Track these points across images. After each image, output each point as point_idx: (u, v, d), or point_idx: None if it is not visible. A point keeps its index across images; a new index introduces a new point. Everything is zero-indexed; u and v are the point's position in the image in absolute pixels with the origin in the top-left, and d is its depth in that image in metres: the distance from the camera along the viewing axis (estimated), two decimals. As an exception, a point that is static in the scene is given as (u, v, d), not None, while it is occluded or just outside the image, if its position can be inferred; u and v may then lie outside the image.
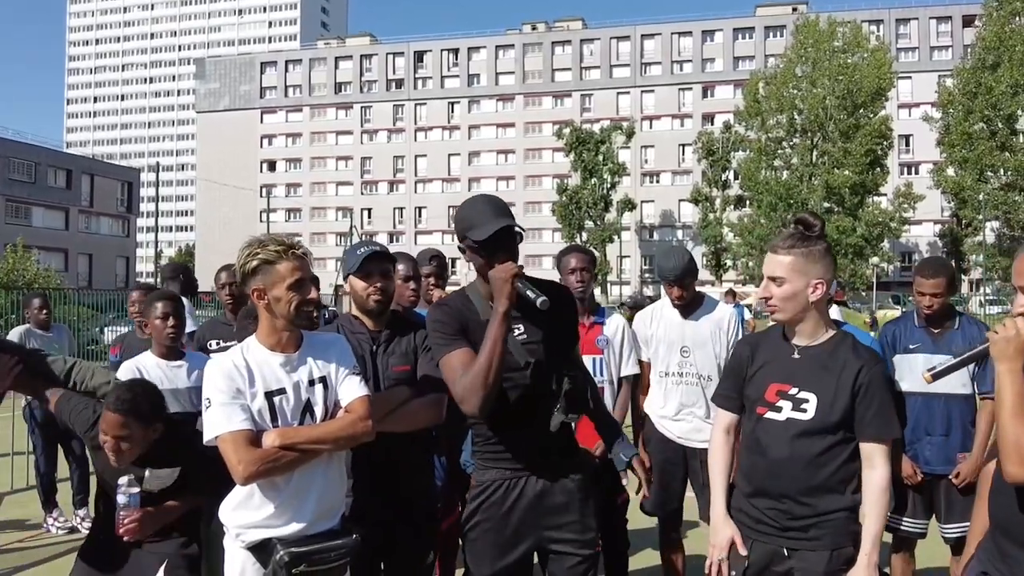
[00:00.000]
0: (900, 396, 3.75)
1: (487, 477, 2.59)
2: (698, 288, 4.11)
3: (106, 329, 22.56)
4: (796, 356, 2.53)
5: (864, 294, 51.11)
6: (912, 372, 3.82)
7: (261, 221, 77.62)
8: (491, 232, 2.42)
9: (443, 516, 3.75)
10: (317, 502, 2.42)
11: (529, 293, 2.38)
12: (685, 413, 3.99)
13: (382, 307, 2.96)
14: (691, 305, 4.00)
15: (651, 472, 4.03)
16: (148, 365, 3.67)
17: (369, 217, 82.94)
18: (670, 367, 4.01)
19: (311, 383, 2.46)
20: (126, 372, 3.60)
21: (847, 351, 2.49)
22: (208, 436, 2.33)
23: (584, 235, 62.39)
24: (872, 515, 2.40)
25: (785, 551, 2.47)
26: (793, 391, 2.48)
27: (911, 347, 3.85)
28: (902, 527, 3.91)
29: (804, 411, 2.46)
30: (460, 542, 4.21)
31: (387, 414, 2.77)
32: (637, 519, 4.57)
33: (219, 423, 2.30)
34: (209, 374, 2.39)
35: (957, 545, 3.75)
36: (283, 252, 2.39)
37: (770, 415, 2.51)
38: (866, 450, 2.43)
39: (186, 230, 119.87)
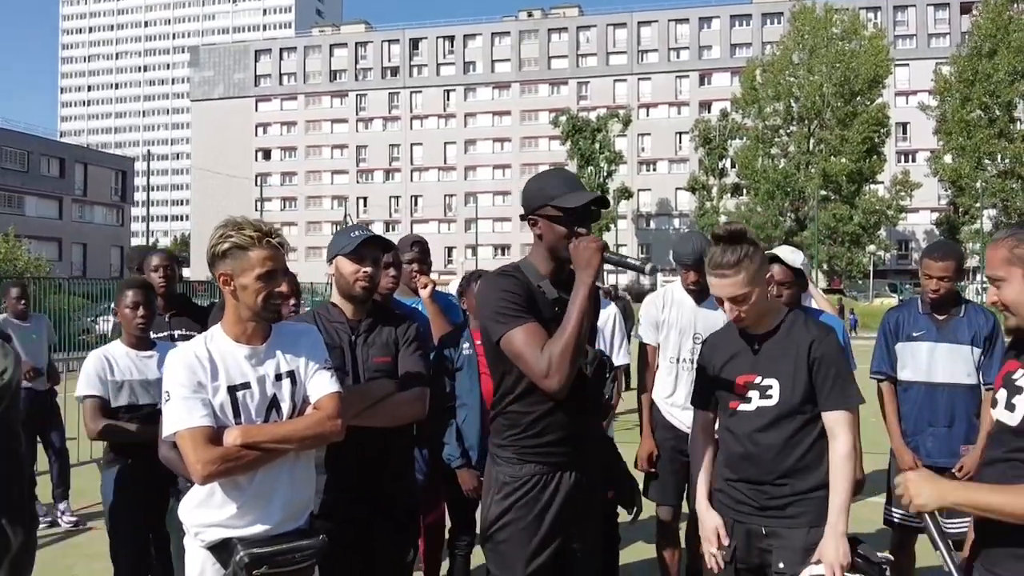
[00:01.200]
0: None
1: (524, 472, 2.42)
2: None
3: (100, 318, 22.44)
4: (756, 346, 2.62)
5: (861, 282, 51.12)
6: (915, 360, 3.69)
7: (256, 210, 77.36)
8: (586, 200, 2.34)
9: (425, 511, 3.62)
10: (282, 502, 2.28)
11: (630, 260, 2.33)
12: None
13: (367, 294, 2.83)
14: (704, 292, 3.88)
15: (658, 460, 3.93)
16: (117, 355, 3.51)
17: (365, 206, 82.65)
18: (682, 353, 3.92)
19: (278, 377, 2.32)
20: (94, 361, 3.45)
21: (799, 329, 2.58)
22: (167, 432, 2.20)
23: (580, 223, 62.28)
24: (837, 485, 2.45)
25: (763, 530, 2.55)
26: (758, 380, 2.57)
27: (915, 335, 3.72)
28: (903, 521, 3.77)
29: (770, 397, 2.54)
30: (446, 537, 4.14)
31: (367, 408, 2.64)
32: (625, 513, 4.44)
33: (178, 418, 2.16)
34: (169, 366, 2.24)
35: (959, 541, 3.61)
36: (258, 239, 2.23)
37: (742, 407, 2.60)
38: (828, 421, 2.51)
39: (181, 219, 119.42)
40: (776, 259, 3.47)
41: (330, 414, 2.32)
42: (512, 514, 2.42)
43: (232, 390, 2.24)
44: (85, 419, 3.41)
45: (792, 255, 3.55)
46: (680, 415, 3.90)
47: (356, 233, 2.82)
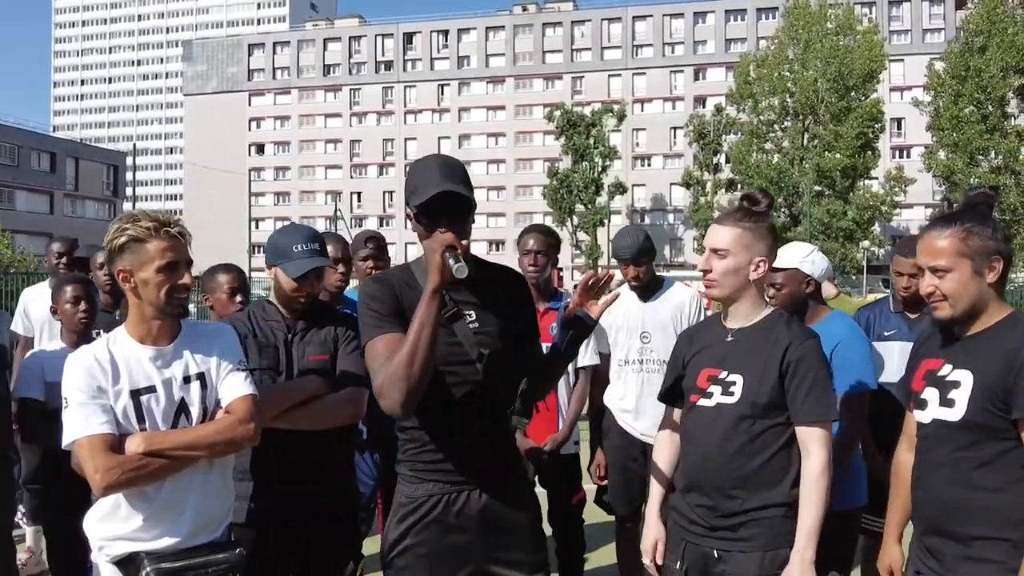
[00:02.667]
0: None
1: (421, 492, 2.18)
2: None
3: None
4: (730, 339, 2.38)
5: (855, 278, 51.10)
6: (887, 360, 3.56)
7: (249, 205, 77.08)
8: (429, 195, 2.07)
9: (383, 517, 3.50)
10: (193, 513, 2.15)
11: (451, 261, 2.00)
12: (647, 404, 3.70)
13: (305, 307, 2.71)
14: (649, 288, 3.78)
15: (609, 467, 3.83)
16: (55, 355, 3.37)
17: (359, 201, 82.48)
18: (630, 354, 3.78)
19: (186, 380, 2.18)
20: (30, 365, 3.31)
21: (780, 329, 2.33)
22: (66, 440, 2.06)
23: (575, 219, 62.13)
24: (805, 507, 2.20)
25: (716, 553, 2.29)
26: (723, 374, 2.34)
27: (886, 334, 3.59)
28: (872, 527, 3.65)
29: (732, 394, 2.30)
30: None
31: (292, 408, 2.50)
32: (598, 514, 4.34)
33: (76, 426, 2.03)
34: (67, 370, 2.11)
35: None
36: (154, 229, 2.10)
37: (702, 402, 2.37)
38: (801, 436, 2.26)
39: (175, 214, 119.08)
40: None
41: (242, 418, 2.18)
42: (412, 538, 2.17)
43: (135, 394, 2.11)
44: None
45: (792, 251, 3.19)
46: (632, 421, 3.77)
47: (299, 248, 2.64)
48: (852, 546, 3.38)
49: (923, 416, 2.04)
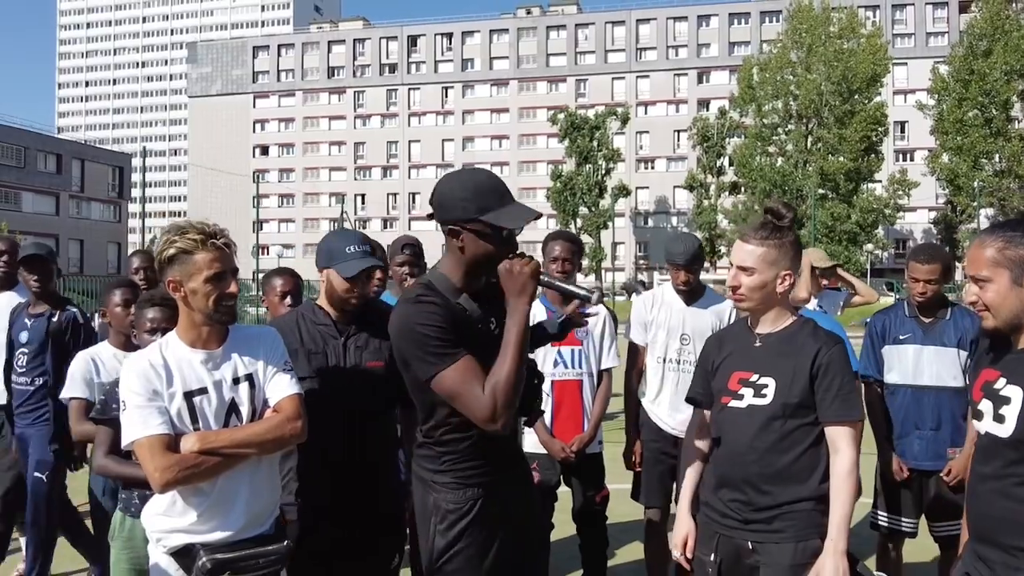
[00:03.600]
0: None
1: (467, 497, 2.27)
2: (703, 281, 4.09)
3: (96, 315, 22.47)
4: (758, 344, 2.51)
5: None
6: (901, 363, 3.70)
7: (254, 206, 77.11)
8: (525, 222, 2.16)
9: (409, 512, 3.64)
10: (245, 507, 2.28)
11: (573, 288, 2.26)
12: (679, 402, 3.81)
13: (358, 308, 2.82)
14: (694, 294, 3.94)
15: (643, 459, 3.95)
16: (104, 356, 3.50)
17: (363, 203, 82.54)
18: (669, 353, 3.94)
19: (236, 381, 2.31)
20: (80, 363, 3.44)
21: (807, 335, 2.48)
22: (125, 441, 2.19)
23: (578, 221, 62.17)
24: (836, 501, 2.34)
25: (750, 544, 2.42)
26: (754, 378, 2.47)
27: (901, 338, 3.73)
28: (892, 525, 3.78)
29: (764, 396, 2.43)
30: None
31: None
32: (622, 513, 4.45)
33: (135, 428, 2.16)
34: (124, 375, 2.23)
35: (947, 544, 3.62)
36: (201, 241, 2.22)
37: (733, 403, 2.49)
38: (830, 434, 2.40)
39: (178, 215, 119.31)
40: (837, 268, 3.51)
41: (290, 416, 2.30)
42: (462, 542, 2.26)
43: (188, 396, 2.23)
44: (71, 420, 3.40)
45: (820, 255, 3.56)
46: (665, 417, 3.91)
47: (351, 249, 2.75)
48: None
49: (979, 427, 2.06)
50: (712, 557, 2.48)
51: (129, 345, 3.54)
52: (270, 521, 2.37)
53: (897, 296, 38.85)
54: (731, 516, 2.46)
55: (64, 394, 3.43)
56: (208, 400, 2.25)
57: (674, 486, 3.95)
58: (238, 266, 2.34)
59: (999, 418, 1.98)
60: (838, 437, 2.38)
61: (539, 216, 2.26)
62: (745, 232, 2.51)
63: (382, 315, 2.88)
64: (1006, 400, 1.98)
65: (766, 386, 2.44)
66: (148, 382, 2.19)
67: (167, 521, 2.25)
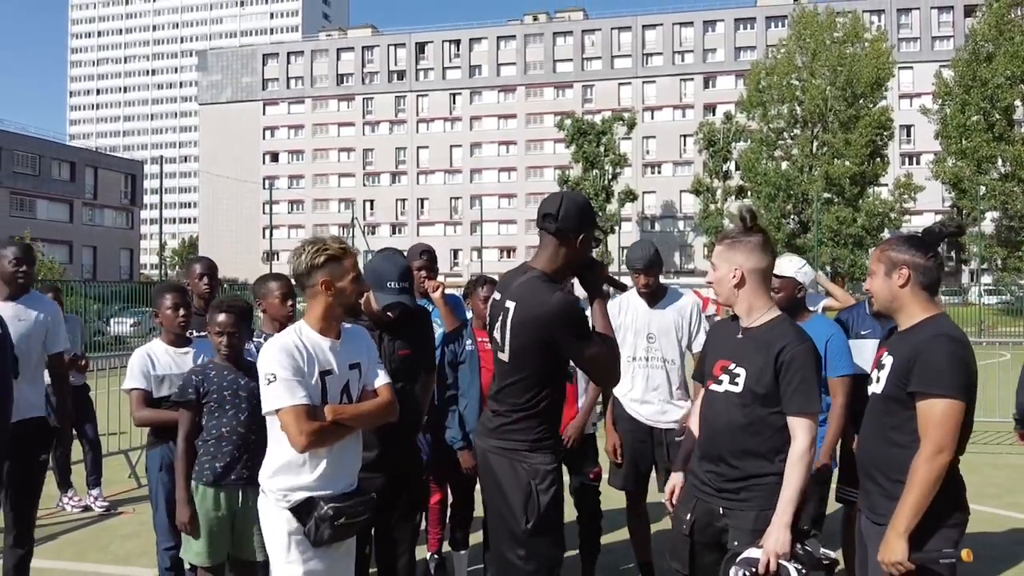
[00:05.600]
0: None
1: (556, 458, 2.89)
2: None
3: (111, 320, 22.97)
4: (740, 336, 2.86)
5: (864, 285, 51.25)
6: (862, 355, 4.13)
7: (264, 213, 77.76)
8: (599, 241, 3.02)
9: (429, 492, 4.17)
10: (348, 467, 2.82)
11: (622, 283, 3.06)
12: (652, 395, 4.29)
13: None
14: (656, 295, 4.33)
15: (622, 449, 4.37)
16: (158, 351, 3.97)
17: (372, 208, 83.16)
18: (637, 352, 4.30)
19: (350, 367, 2.83)
20: (138, 358, 3.90)
21: (779, 332, 2.78)
22: (270, 407, 2.65)
23: (585, 226, 62.43)
24: (788, 480, 2.66)
25: (720, 509, 2.81)
26: (732, 366, 2.82)
27: (863, 333, 4.19)
28: (849, 496, 4.20)
29: (736, 384, 2.78)
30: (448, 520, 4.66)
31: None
32: (614, 499, 4.87)
33: (282, 396, 2.62)
34: (272, 352, 2.69)
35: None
36: (345, 251, 2.80)
37: (713, 387, 2.87)
38: (790, 423, 2.71)
39: (189, 222, 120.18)
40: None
41: (389, 400, 2.89)
42: (558, 496, 2.86)
43: (323, 375, 2.73)
44: (132, 408, 3.88)
45: (786, 264, 3.92)
46: (639, 408, 4.33)
47: (391, 285, 3.36)
48: (822, 505, 4.05)
49: (870, 390, 2.69)
50: (688, 516, 2.89)
51: (178, 342, 4.03)
52: (355, 478, 2.89)
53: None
54: (707, 485, 2.85)
55: (125, 385, 3.91)
56: (333, 380, 2.74)
57: (652, 470, 4.40)
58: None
59: (878, 380, 2.58)
60: (796, 426, 2.69)
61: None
62: (720, 239, 2.92)
63: (413, 314, 3.55)
64: (883, 366, 2.57)
65: (739, 375, 2.78)
66: (293, 360, 2.65)
67: (294, 480, 2.70)
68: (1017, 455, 7.95)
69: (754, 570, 2.61)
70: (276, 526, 2.74)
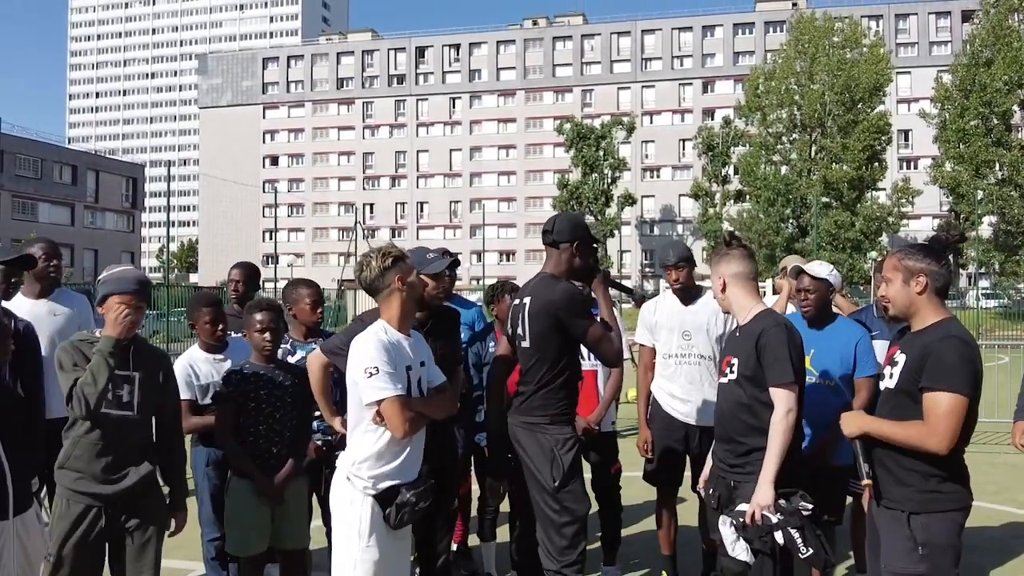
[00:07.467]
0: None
1: (571, 427, 3.50)
2: (699, 282, 4.64)
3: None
4: (737, 334, 3.34)
5: (862, 288, 51.50)
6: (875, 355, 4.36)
7: (264, 216, 77.92)
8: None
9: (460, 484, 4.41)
10: (418, 456, 3.06)
11: (631, 288, 3.43)
12: (691, 392, 4.40)
13: (439, 301, 3.79)
14: (691, 294, 4.48)
15: (655, 447, 4.52)
16: (198, 360, 4.19)
17: (371, 212, 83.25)
18: (672, 349, 4.46)
19: (421, 364, 3.07)
20: (180, 369, 4.06)
21: (758, 323, 3.20)
22: (373, 397, 2.85)
23: (585, 230, 62.62)
24: (770, 444, 3.03)
25: (732, 483, 3.21)
26: (732, 359, 3.27)
27: (873, 333, 4.38)
28: (857, 490, 4.41)
29: (733, 372, 3.23)
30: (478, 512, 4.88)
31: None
32: (635, 495, 5.06)
33: (386, 387, 2.84)
34: (369, 347, 2.89)
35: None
36: (403, 254, 3.10)
37: (722, 379, 3.34)
38: (771, 394, 3.09)
39: (189, 225, 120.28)
40: (802, 271, 4.12)
41: (451, 396, 3.20)
42: (576, 459, 3.39)
43: (407, 369, 2.98)
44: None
45: (818, 267, 4.16)
46: (678, 406, 4.44)
47: (431, 256, 3.66)
48: (844, 495, 4.20)
49: (882, 386, 3.01)
50: (712, 491, 3.32)
51: (213, 349, 4.22)
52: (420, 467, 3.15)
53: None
54: (723, 462, 3.29)
55: None
56: (412, 375, 2.98)
57: (685, 467, 4.52)
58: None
59: (891, 376, 2.84)
60: (775, 396, 3.08)
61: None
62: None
63: (446, 314, 3.79)
64: (896, 363, 2.84)
65: (734, 364, 3.23)
66: (389, 354, 2.87)
67: (381, 469, 2.92)
68: (1014, 454, 8.15)
69: (742, 520, 3.01)
70: (355, 513, 2.93)
